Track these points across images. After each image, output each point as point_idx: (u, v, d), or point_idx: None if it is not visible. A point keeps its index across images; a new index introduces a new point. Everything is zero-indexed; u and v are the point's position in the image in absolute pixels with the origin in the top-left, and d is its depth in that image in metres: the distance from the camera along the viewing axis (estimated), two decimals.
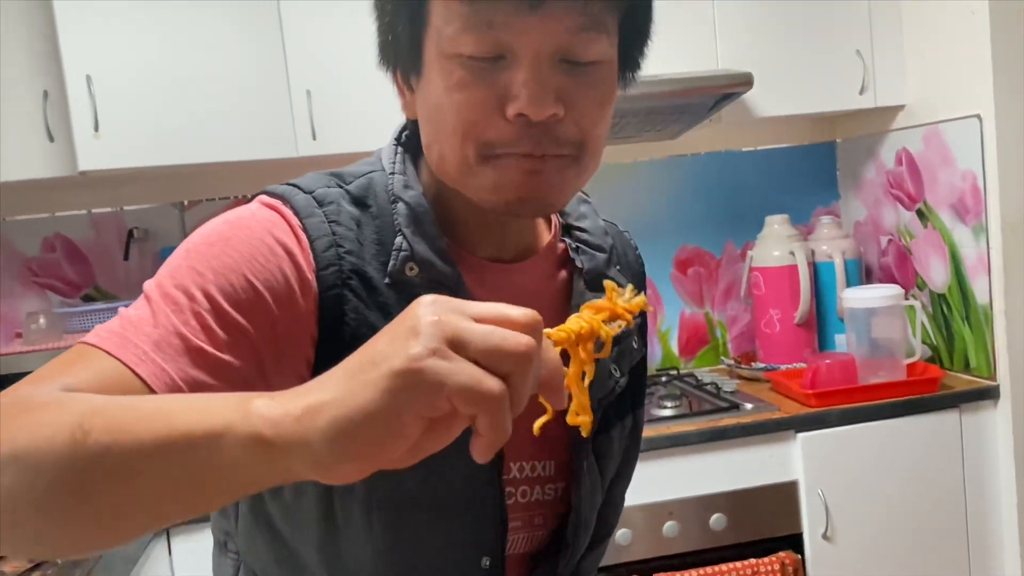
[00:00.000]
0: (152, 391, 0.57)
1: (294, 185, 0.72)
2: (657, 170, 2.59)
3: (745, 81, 2.05)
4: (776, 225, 2.43)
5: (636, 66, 0.76)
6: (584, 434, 0.59)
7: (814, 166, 2.67)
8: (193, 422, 0.46)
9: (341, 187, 0.73)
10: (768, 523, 2.03)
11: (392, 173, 0.75)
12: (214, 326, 0.61)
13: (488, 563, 0.75)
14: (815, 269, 2.43)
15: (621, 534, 1.93)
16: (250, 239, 0.66)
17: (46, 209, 2.28)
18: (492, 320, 0.45)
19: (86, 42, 1.90)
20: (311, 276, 0.67)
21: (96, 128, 1.89)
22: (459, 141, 0.67)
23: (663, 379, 2.45)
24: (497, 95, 0.65)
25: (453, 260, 0.73)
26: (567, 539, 0.81)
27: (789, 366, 2.32)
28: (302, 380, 0.65)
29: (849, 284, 2.39)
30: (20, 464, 0.46)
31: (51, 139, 2.01)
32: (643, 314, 0.89)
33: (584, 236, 0.84)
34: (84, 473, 0.46)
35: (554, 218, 0.85)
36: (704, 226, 2.63)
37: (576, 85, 0.67)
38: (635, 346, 0.87)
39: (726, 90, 2.08)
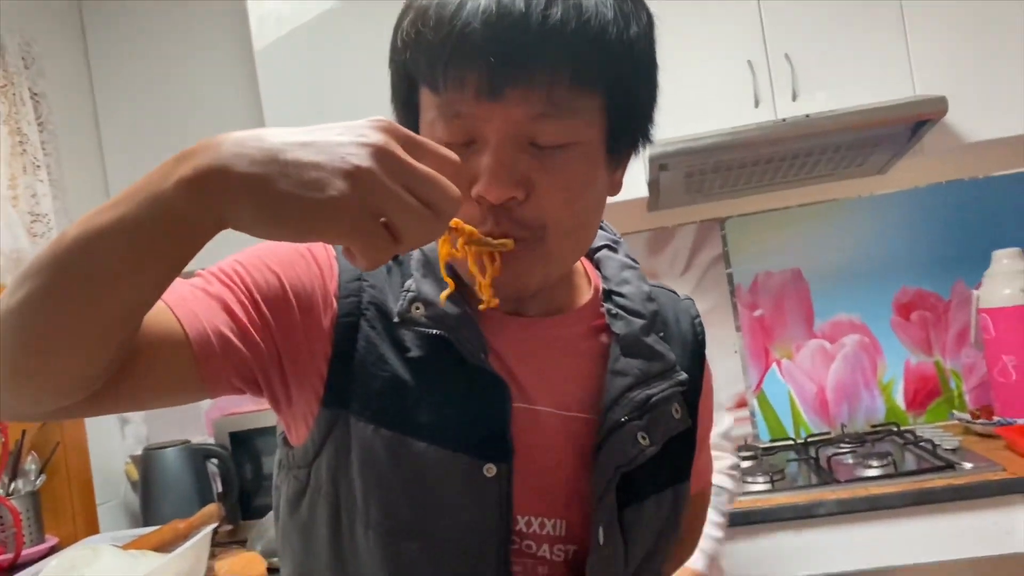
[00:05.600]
0: (186, 332, 0.69)
1: None
2: (867, 207, 2.50)
3: (938, 107, 1.95)
4: (1005, 260, 2.24)
5: (636, 140, 0.79)
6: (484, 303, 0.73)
7: None
8: (143, 187, 0.54)
9: None
10: None
11: None
12: (248, 305, 0.73)
13: None
14: None
15: None
16: (293, 250, 0.78)
17: None
18: (434, 158, 0.57)
19: None
20: (334, 299, 0.77)
21: None
22: None
23: (878, 435, 2.33)
24: (467, 178, 0.71)
25: (462, 303, 0.78)
26: None
27: None
28: (317, 394, 0.77)
29: None
30: (24, 271, 0.58)
31: None
32: (693, 386, 0.89)
33: (623, 302, 0.86)
34: (60, 260, 0.56)
35: (595, 281, 0.89)
36: (927, 266, 2.48)
37: (542, 168, 0.71)
38: (676, 416, 0.85)
39: (917, 118, 1.99)
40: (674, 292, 0.96)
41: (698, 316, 0.95)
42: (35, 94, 2.11)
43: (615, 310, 0.86)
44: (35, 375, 0.60)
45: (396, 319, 0.78)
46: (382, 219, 0.53)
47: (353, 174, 0.52)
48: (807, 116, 2.03)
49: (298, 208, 0.52)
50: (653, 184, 2.20)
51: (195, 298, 0.72)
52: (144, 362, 0.67)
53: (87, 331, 0.58)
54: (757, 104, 2.14)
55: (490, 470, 0.76)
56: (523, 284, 0.75)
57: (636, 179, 2.16)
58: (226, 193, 0.53)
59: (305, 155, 0.52)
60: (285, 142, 0.53)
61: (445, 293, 0.74)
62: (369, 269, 0.55)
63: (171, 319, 0.69)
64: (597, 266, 0.92)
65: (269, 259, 0.77)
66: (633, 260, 0.93)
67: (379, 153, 0.53)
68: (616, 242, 0.95)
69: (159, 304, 0.69)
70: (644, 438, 0.81)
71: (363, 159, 0.52)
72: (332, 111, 2.23)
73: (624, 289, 0.88)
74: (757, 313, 2.54)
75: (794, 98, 2.13)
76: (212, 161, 0.53)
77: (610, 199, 0.81)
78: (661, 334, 0.87)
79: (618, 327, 0.84)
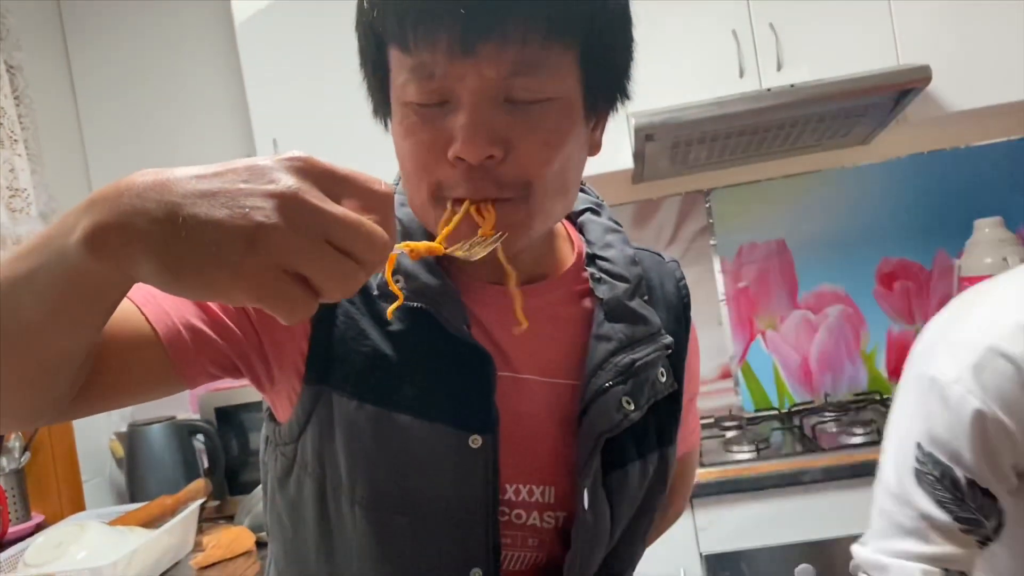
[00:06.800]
0: (156, 332, 0.68)
1: None
2: (851, 178, 2.51)
3: (921, 76, 1.95)
4: (987, 229, 2.26)
5: (613, 96, 0.77)
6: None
7: None
8: (54, 237, 0.50)
9: None
10: None
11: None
12: None
13: (480, 575, 0.77)
14: None
15: (803, 570, 1.88)
16: None
17: None
18: (361, 193, 0.49)
19: (271, 110, 2.23)
20: None
21: None
22: (416, 184, 0.72)
23: (861, 403, 2.35)
24: (443, 139, 0.69)
25: (442, 274, 0.78)
26: (563, 573, 0.80)
27: None
28: (299, 372, 0.76)
29: None
30: None
31: None
32: (678, 349, 0.88)
33: (606, 265, 0.85)
34: None
35: (579, 245, 0.88)
36: (909, 236, 2.49)
37: (519, 126, 0.69)
38: (662, 379, 0.85)
39: (902, 86, 1.99)
40: (659, 255, 0.95)
41: (683, 279, 0.95)
42: (11, 67, 2.07)
43: (599, 274, 0.85)
44: None
45: (376, 292, 0.77)
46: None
47: (255, 233, 0.45)
48: (792, 86, 2.02)
49: (198, 272, 0.46)
50: (638, 155, 2.19)
51: (164, 294, 0.69)
52: (118, 366, 0.67)
53: (25, 373, 0.56)
54: (742, 74, 2.14)
55: (476, 441, 0.76)
56: (508, 247, 0.72)
57: (622, 151, 2.16)
58: (123, 252, 0.47)
59: (206, 211, 0.45)
60: (187, 192, 0.46)
61: (392, 308, 0.70)
62: (291, 324, 0.49)
63: (140, 320, 0.69)
64: (580, 230, 0.91)
65: None
66: (617, 223, 0.92)
67: (287, 203, 0.45)
68: (599, 205, 0.94)
69: (129, 305, 0.69)
70: (628, 403, 0.81)
71: (268, 213, 0.45)
72: (313, 82, 2.21)
73: (608, 253, 0.87)
74: (741, 284, 2.55)
75: (779, 68, 2.13)
76: (108, 218, 0.47)
77: (595, 171, 0.80)
78: (646, 298, 0.86)
79: (602, 291, 0.84)
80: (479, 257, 0.67)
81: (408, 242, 0.63)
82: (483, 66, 0.67)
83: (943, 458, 0.90)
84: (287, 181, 0.46)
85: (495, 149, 0.68)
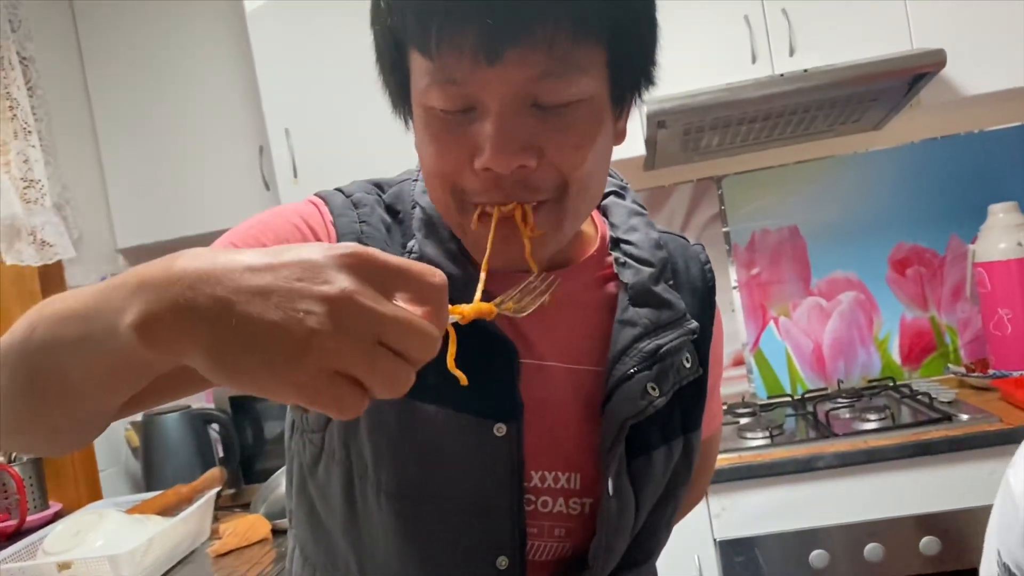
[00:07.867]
0: None
1: (338, 189, 0.82)
2: (863, 164, 2.49)
3: (935, 60, 1.94)
4: (1001, 214, 2.24)
5: (639, 87, 0.75)
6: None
7: None
8: (103, 308, 0.49)
9: (378, 195, 0.81)
10: None
11: (415, 180, 0.82)
12: None
13: (505, 564, 0.77)
14: None
15: (817, 555, 1.89)
16: (284, 222, 0.75)
17: None
18: (416, 286, 0.48)
19: (283, 99, 2.23)
20: None
21: (295, 175, 2.21)
22: (439, 190, 0.71)
23: (875, 390, 2.35)
24: (468, 147, 0.67)
25: (464, 262, 0.77)
26: (588, 559, 0.80)
27: (1023, 372, 2.14)
28: None
29: None
30: None
31: (267, 187, 2.36)
32: (703, 333, 0.87)
33: (631, 250, 0.84)
34: (29, 363, 0.54)
35: (602, 229, 0.87)
36: (922, 221, 2.48)
37: (549, 130, 0.67)
38: (687, 365, 0.84)
39: (916, 71, 1.98)
40: (684, 238, 0.94)
41: (708, 262, 0.93)
42: (23, 58, 2.08)
43: (623, 259, 0.84)
44: (27, 449, 0.62)
45: None
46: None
47: (308, 340, 0.44)
48: (804, 71, 2.01)
49: (249, 375, 0.45)
50: (650, 142, 2.18)
51: None
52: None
53: (74, 420, 0.58)
54: (754, 60, 2.13)
55: (500, 429, 0.75)
56: (545, 247, 0.72)
57: (633, 137, 2.15)
58: (174, 346, 0.46)
59: (259, 311, 0.44)
60: (240, 288, 0.45)
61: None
62: (340, 419, 0.48)
63: None
64: (604, 213, 0.90)
65: (265, 238, 0.74)
66: (641, 206, 0.90)
67: (340, 307, 0.44)
68: (623, 188, 0.93)
69: None
70: (654, 389, 0.80)
71: (321, 319, 0.44)
72: (325, 71, 2.21)
73: (632, 237, 0.85)
74: (754, 271, 2.54)
75: (791, 53, 2.12)
76: (159, 308, 0.46)
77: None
78: (671, 282, 0.85)
79: (626, 276, 0.83)
80: (531, 311, 0.64)
81: (458, 306, 0.60)
82: (510, 73, 0.64)
83: (1016, 572, 0.87)
84: (340, 283, 0.45)
85: (526, 158, 0.67)
